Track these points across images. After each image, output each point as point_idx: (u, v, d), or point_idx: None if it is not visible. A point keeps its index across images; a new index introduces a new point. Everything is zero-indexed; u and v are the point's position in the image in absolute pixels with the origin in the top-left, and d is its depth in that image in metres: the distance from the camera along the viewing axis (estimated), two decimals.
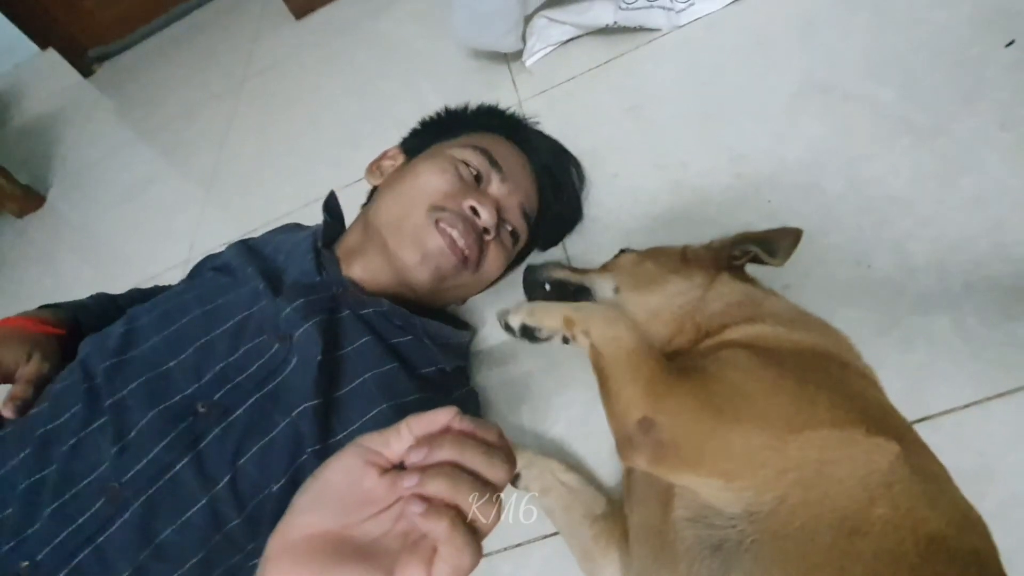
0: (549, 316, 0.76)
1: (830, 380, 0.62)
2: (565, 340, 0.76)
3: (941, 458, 0.77)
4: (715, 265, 0.80)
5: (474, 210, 0.95)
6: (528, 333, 0.79)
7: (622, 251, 0.94)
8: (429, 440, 0.48)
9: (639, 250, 0.91)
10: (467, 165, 0.99)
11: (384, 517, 0.47)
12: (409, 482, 0.46)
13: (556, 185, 1.15)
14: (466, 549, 0.44)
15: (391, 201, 1.00)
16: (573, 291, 0.90)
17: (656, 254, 0.87)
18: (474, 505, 0.46)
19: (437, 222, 0.94)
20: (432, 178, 0.98)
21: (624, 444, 0.60)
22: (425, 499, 0.45)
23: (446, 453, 0.47)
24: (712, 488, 0.56)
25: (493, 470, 0.48)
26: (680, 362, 0.69)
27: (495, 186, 1.01)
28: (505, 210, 1.01)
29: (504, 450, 0.50)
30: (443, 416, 0.50)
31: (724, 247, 0.81)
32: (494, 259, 1.01)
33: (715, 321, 0.74)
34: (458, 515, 0.45)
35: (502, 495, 0.49)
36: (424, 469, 0.47)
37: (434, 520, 0.44)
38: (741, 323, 0.71)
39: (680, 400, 0.59)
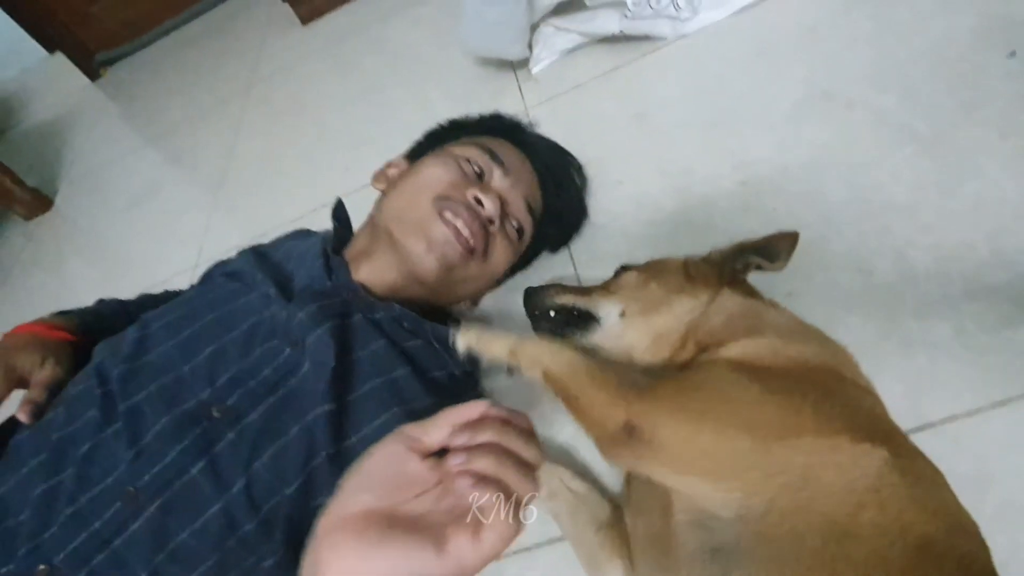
0: (495, 346, 0.76)
1: (820, 391, 0.62)
2: (509, 371, 0.75)
3: (941, 464, 0.78)
4: (718, 279, 0.80)
5: (478, 200, 0.96)
6: (474, 358, 0.81)
7: (622, 267, 0.94)
8: (470, 426, 0.54)
9: (639, 265, 0.92)
10: (469, 161, 1.01)
11: (427, 497, 0.51)
12: (458, 460, 0.51)
13: (558, 184, 1.16)
14: (511, 518, 0.49)
15: (396, 197, 1.02)
16: (578, 316, 0.91)
17: (659, 271, 0.87)
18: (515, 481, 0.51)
19: (441, 211, 0.95)
20: (435, 171, 1.00)
21: (607, 444, 0.62)
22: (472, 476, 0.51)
23: (488, 435, 0.53)
24: (702, 489, 0.57)
25: (529, 451, 0.54)
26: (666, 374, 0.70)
27: (497, 180, 1.02)
28: (508, 203, 1.02)
29: (535, 434, 0.57)
30: (478, 407, 0.55)
31: (725, 259, 0.81)
32: (501, 251, 1.02)
33: (714, 336, 0.74)
34: (503, 488, 0.50)
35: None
36: (468, 450, 0.52)
37: (484, 491, 0.49)
38: (740, 337, 0.72)
39: (659, 403, 0.60)
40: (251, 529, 0.75)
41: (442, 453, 0.54)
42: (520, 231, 1.05)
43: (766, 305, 0.79)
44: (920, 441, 0.80)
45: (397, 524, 0.49)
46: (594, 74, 1.59)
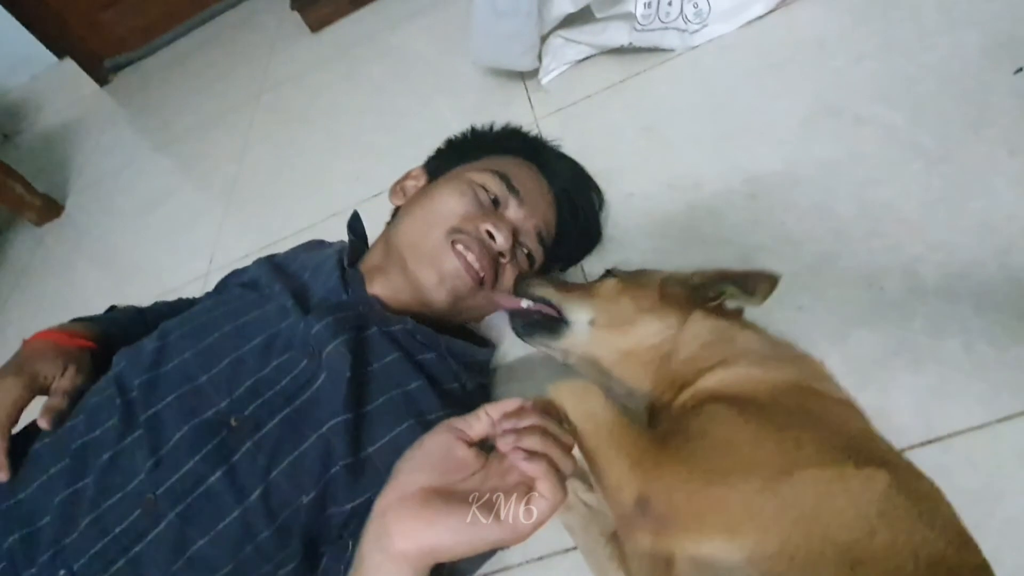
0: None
1: (811, 418, 0.62)
2: None
3: (950, 479, 0.78)
4: (689, 304, 0.80)
5: (490, 234, 0.97)
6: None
7: (608, 272, 0.94)
8: (511, 415, 0.62)
9: (623, 273, 0.92)
10: (485, 189, 1.01)
11: (474, 479, 0.60)
12: (509, 439, 0.59)
13: (574, 208, 1.16)
14: (559, 486, 0.57)
15: (411, 222, 1.03)
16: (548, 317, 0.92)
17: (636, 286, 0.87)
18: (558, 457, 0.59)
19: (454, 244, 0.96)
20: (450, 201, 1.00)
21: (625, 525, 0.61)
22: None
23: (531, 420, 0.61)
24: (716, 545, 0.55)
25: (565, 434, 0.62)
26: (663, 425, 0.70)
27: (512, 210, 1.02)
28: (521, 233, 1.03)
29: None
30: (516, 401, 0.64)
31: (703, 284, 0.80)
32: (510, 281, 1.03)
33: (689, 367, 0.74)
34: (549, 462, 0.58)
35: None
36: (516, 432, 0.59)
37: (535, 463, 0.57)
38: (715, 368, 0.72)
39: (669, 469, 0.59)
40: (268, 537, 0.77)
41: (480, 446, 0.63)
42: (531, 259, 1.06)
43: (737, 328, 0.78)
44: (929, 455, 0.81)
45: (453, 498, 0.57)
46: (603, 85, 1.60)
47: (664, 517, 0.57)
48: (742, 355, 0.73)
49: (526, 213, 1.03)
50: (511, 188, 1.03)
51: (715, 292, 0.78)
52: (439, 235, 0.97)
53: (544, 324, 0.92)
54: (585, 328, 0.87)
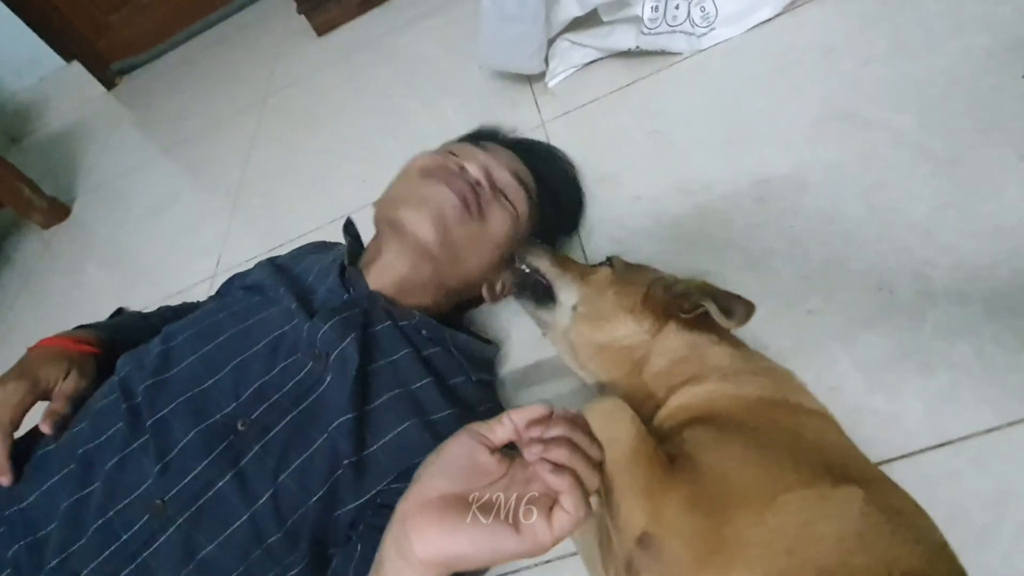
0: None
1: (786, 435, 0.63)
2: None
3: (960, 482, 0.79)
4: (666, 313, 0.80)
5: (462, 169, 1.00)
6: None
7: (609, 259, 0.95)
8: (539, 422, 0.60)
9: (621, 264, 0.92)
10: (452, 152, 1.04)
11: (496, 486, 0.58)
12: (535, 449, 0.57)
13: (547, 165, 1.18)
14: (583, 500, 0.55)
15: (387, 191, 1.06)
16: (542, 286, 0.94)
17: (626, 282, 0.87)
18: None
19: (429, 178, 0.99)
20: (419, 159, 1.05)
21: (628, 569, 0.60)
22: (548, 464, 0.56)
23: (559, 431, 0.59)
24: None
25: (593, 448, 0.60)
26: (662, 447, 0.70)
27: (481, 156, 1.04)
28: (494, 174, 1.03)
29: (593, 434, 0.62)
30: (540, 408, 0.62)
31: (684, 295, 0.79)
32: (497, 216, 1.01)
33: (661, 383, 0.75)
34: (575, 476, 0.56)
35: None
36: (544, 442, 0.58)
37: (561, 475, 0.55)
38: (685, 385, 0.72)
39: (677, 509, 0.58)
40: (277, 540, 0.77)
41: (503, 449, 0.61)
42: (512, 202, 1.05)
43: (710, 342, 0.78)
44: (940, 459, 0.81)
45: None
46: (610, 88, 1.59)
47: (668, 562, 0.56)
48: (712, 371, 0.74)
49: (495, 156, 1.05)
50: (477, 144, 1.07)
51: (692, 304, 0.77)
52: (414, 180, 1.01)
53: (536, 290, 0.94)
54: (568, 312, 0.88)
